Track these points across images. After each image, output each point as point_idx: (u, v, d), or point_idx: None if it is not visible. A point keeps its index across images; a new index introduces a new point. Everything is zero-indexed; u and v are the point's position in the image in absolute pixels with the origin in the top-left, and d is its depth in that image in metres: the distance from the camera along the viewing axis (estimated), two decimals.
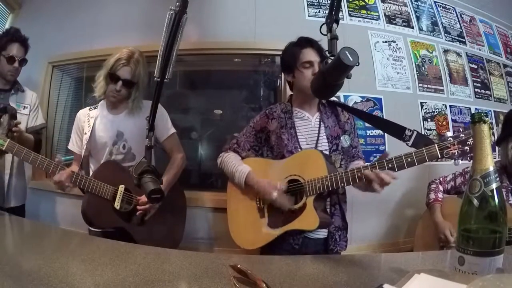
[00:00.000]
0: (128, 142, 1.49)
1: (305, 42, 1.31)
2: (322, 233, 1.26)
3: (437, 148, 1.00)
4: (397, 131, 1.19)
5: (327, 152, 1.28)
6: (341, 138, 1.31)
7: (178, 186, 1.61)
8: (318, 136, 1.30)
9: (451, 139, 0.98)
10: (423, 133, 1.13)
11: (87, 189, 1.33)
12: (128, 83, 1.42)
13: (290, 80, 1.37)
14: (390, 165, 1.05)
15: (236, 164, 1.35)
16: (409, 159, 1.02)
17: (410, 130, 1.14)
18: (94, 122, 1.49)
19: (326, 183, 1.14)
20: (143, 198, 1.40)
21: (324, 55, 1.28)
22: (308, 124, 1.33)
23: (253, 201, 1.32)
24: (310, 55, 1.28)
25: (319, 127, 1.31)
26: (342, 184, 1.13)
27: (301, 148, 1.29)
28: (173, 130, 1.59)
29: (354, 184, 1.12)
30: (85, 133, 1.48)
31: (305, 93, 1.28)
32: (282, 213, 1.22)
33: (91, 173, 1.49)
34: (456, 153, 0.97)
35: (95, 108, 1.54)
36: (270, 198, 1.21)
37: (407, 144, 1.13)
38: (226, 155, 1.41)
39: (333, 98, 1.43)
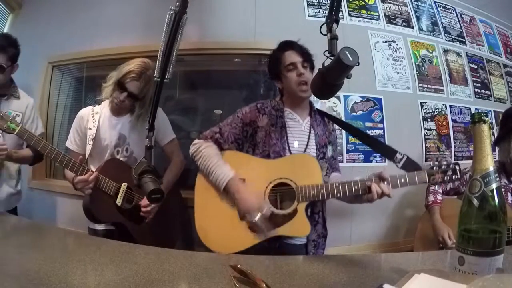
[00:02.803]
0: (131, 146, 1.50)
1: (285, 45, 1.30)
2: (300, 240, 1.22)
3: (426, 174, 1.14)
4: (388, 152, 1.27)
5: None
6: (327, 147, 1.31)
7: (175, 187, 1.62)
8: (308, 142, 1.27)
9: (436, 167, 1.15)
10: (413, 159, 1.25)
11: None
12: (133, 97, 1.42)
13: (279, 86, 1.35)
14: (385, 183, 1.11)
15: (217, 162, 1.19)
16: (402, 180, 1.13)
17: (401, 154, 1.24)
18: (99, 119, 1.49)
19: (322, 191, 1.12)
20: (145, 202, 1.42)
21: (306, 53, 1.28)
22: (299, 127, 1.29)
23: (231, 199, 1.17)
24: (291, 57, 1.26)
25: (309, 132, 1.29)
26: (338, 195, 1.12)
27: (289, 150, 1.24)
28: (173, 136, 1.62)
29: (349, 194, 1.13)
30: (90, 129, 1.48)
31: (295, 97, 1.28)
32: (268, 217, 1.13)
33: None
34: (440, 180, 1.14)
35: (98, 105, 1.54)
36: (249, 219, 1.10)
37: (396, 166, 1.23)
38: (206, 146, 1.23)
39: (333, 99, 1.43)
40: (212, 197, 1.21)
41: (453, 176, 1.14)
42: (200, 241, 1.19)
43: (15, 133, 1.26)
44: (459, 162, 1.28)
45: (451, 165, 1.15)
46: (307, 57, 1.27)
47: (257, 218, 1.08)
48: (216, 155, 1.22)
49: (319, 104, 1.87)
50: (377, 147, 1.37)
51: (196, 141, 1.28)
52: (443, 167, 1.15)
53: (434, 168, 1.15)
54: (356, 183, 1.10)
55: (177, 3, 0.78)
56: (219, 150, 1.25)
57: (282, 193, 1.17)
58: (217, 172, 1.17)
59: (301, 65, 1.25)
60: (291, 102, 1.32)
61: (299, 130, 1.29)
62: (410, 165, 1.21)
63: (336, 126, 1.44)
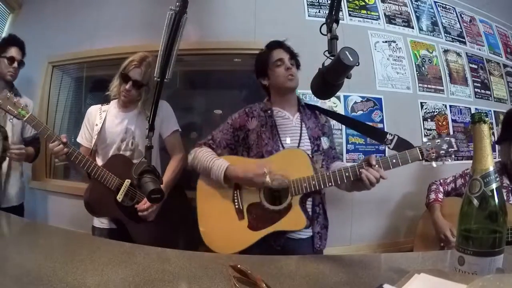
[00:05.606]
0: (136, 139, 1.52)
1: (274, 44, 1.39)
2: (305, 233, 1.24)
3: (418, 151, 1.11)
4: (379, 135, 1.26)
5: (309, 152, 1.27)
6: (321, 139, 1.32)
7: (180, 188, 1.62)
8: (301, 136, 1.29)
9: (429, 143, 1.12)
10: (404, 138, 1.22)
11: (94, 175, 1.38)
12: (137, 84, 1.47)
13: (266, 84, 1.39)
14: (377, 166, 1.10)
15: (212, 158, 1.25)
16: (394, 160, 1.10)
17: (391, 135, 1.22)
18: (105, 116, 1.53)
19: (313, 182, 1.14)
20: (143, 206, 1.43)
21: (292, 52, 1.35)
22: (289, 124, 1.32)
23: (229, 201, 1.24)
24: (279, 54, 1.34)
25: (301, 127, 1.31)
26: (330, 184, 1.13)
27: (283, 147, 1.26)
28: (176, 127, 1.62)
29: (342, 183, 1.13)
30: (96, 125, 1.52)
31: (282, 89, 1.33)
32: (264, 214, 1.18)
33: None
34: (435, 155, 1.10)
35: (107, 104, 1.59)
36: (262, 183, 1.15)
37: (388, 147, 1.21)
38: (200, 150, 1.31)
39: (333, 99, 1.44)
40: (212, 202, 1.26)
41: (450, 150, 1.10)
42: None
43: (24, 119, 1.31)
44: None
45: (445, 138, 1.10)
46: (293, 55, 1.36)
47: (267, 178, 1.12)
48: (210, 154, 1.28)
49: (319, 104, 1.87)
50: (368, 132, 1.41)
51: (191, 151, 1.36)
52: (436, 141, 1.11)
53: (427, 144, 1.11)
54: (346, 170, 1.12)
55: (177, 3, 0.78)
56: (213, 152, 1.31)
57: (276, 189, 1.20)
58: (213, 167, 1.23)
59: (288, 60, 1.33)
60: (279, 99, 1.36)
61: (290, 127, 1.31)
62: (402, 145, 1.19)
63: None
